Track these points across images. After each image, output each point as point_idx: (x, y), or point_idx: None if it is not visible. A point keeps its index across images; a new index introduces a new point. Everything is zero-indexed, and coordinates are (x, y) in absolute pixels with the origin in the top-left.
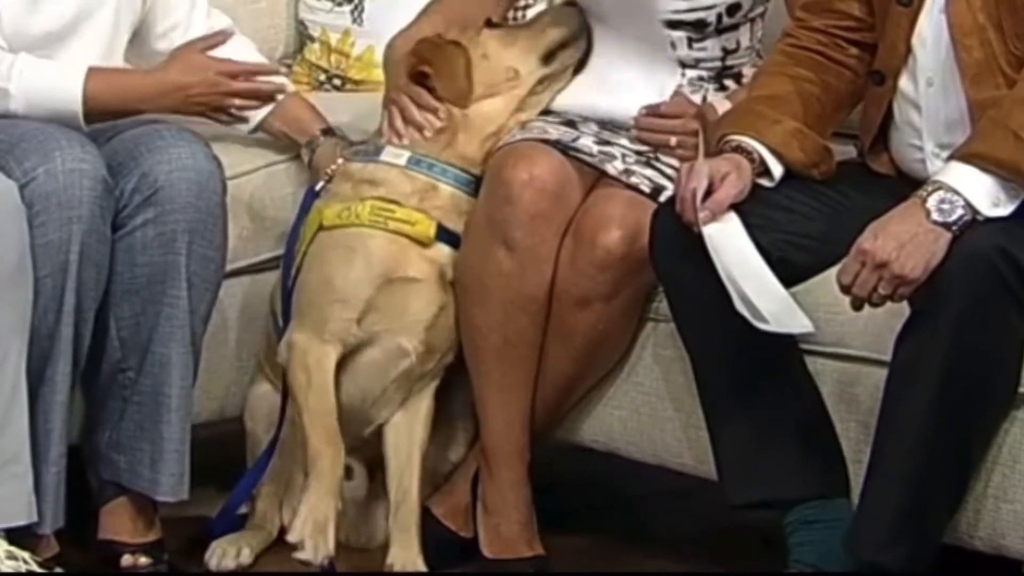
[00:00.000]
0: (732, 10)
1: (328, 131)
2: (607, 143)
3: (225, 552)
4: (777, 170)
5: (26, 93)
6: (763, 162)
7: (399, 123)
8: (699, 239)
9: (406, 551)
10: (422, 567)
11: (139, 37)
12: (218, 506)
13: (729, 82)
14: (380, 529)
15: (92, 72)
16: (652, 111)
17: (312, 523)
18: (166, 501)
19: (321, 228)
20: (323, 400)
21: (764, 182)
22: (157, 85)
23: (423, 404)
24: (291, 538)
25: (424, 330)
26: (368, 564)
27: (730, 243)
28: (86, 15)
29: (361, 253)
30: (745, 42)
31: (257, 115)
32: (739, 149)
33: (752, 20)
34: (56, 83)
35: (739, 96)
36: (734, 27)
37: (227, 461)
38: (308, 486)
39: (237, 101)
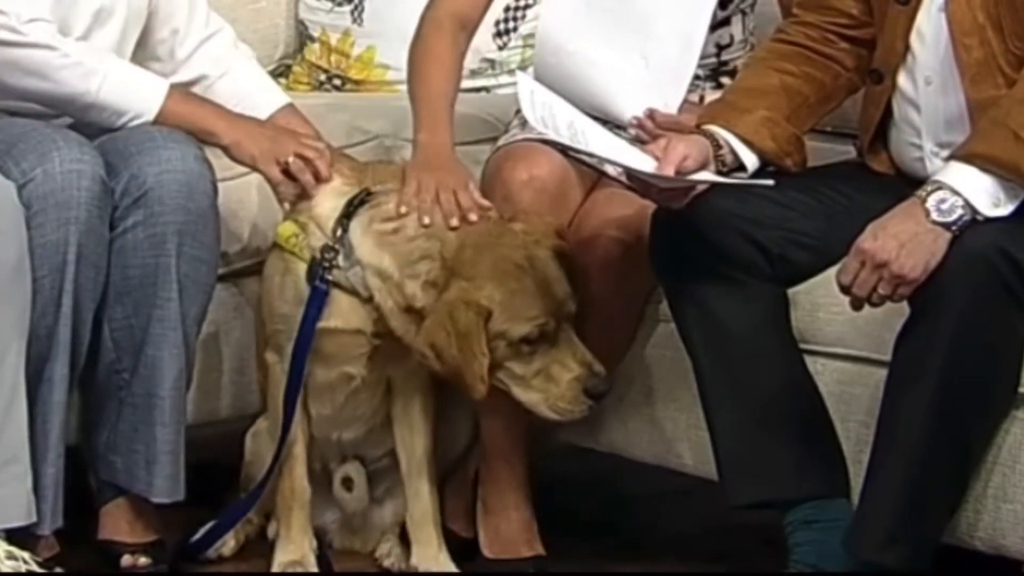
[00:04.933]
0: (724, 2)
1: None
2: None
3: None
4: (749, 159)
5: (114, 78)
6: (734, 152)
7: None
8: (697, 237)
9: (427, 548)
10: (448, 564)
11: (139, 44)
12: (216, 506)
13: (725, 79)
14: (375, 535)
15: (172, 89)
16: (651, 117)
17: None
18: (161, 503)
19: (275, 244)
20: (292, 446)
21: (740, 175)
22: (233, 118)
23: (416, 400)
24: None
25: (366, 359)
26: (361, 567)
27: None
28: (98, 25)
29: (291, 280)
30: (738, 35)
31: None
32: (706, 135)
33: (743, 12)
34: (141, 83)
35: None
36: (726, 21)
37: (224, 461)
38: (279, 535)
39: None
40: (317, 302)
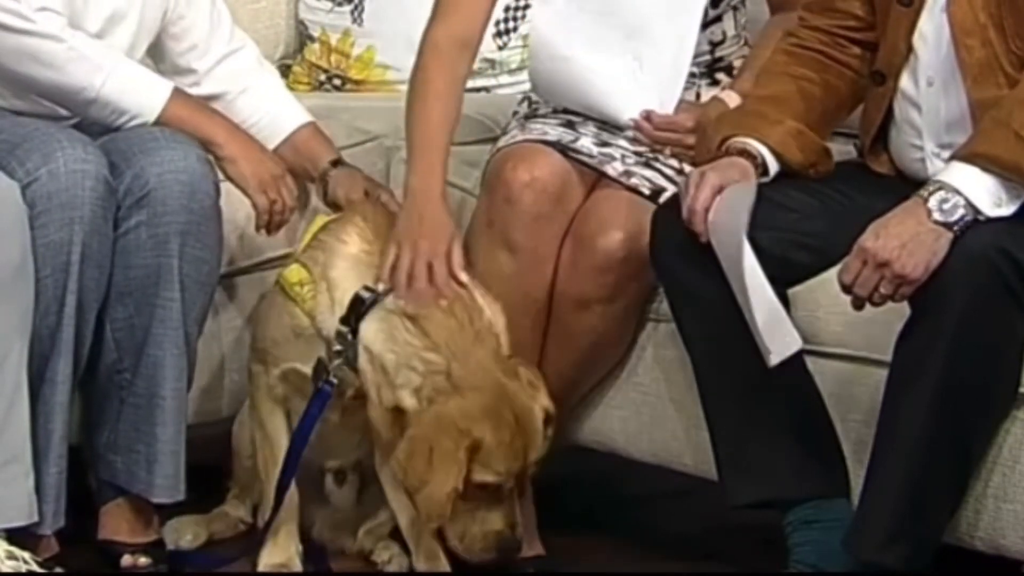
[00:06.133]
0: (716, 1)
1: (338, 163)
2: (606, 144)
3: (179, 531)
4: (773, 168)
5: (119, 75)
6: (764, 163)
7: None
8: (700, 241)
9: (433, 563)
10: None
11: (157, 53)
12: (216, 506)
13: (720, 75)
14: (363, 533)
15: (175, 93)
16: (648, 119)
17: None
18: (162, 503)
19: (277, 283)
20: (275, 458)
21: (763, 180)
22: (234, 132)
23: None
24: None
25: (339, 409)
26: (355, 567)
27: (736, 260)
28: (109, 29)
29: (287, 318)
30: (731, 31)
31: (270, 145)
32: (743, 153)
33: (735, 8)
34: (145, 83)
35: (741, 87)
36: (718, 18)
37: (224, 462)
38: (266, 538)
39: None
40: (320, 402)
